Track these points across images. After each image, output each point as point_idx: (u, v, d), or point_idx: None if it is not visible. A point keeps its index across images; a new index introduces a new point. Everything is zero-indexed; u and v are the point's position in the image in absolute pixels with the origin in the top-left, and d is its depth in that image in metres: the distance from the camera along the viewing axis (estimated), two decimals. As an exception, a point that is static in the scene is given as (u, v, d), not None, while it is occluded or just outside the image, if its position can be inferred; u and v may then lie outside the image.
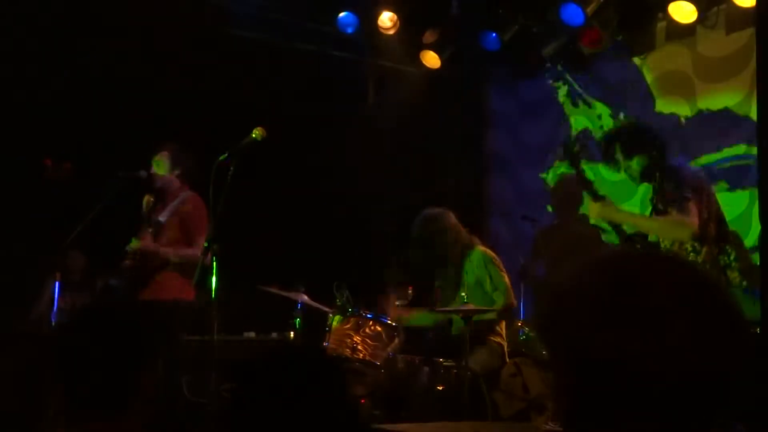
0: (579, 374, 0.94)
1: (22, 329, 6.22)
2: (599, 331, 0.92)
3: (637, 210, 6.20)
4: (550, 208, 7.05)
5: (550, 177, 7.11)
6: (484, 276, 5.34)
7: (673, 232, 4.13)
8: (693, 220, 4.04)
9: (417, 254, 5.46)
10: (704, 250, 4.08)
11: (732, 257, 4.13)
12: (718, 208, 4.33)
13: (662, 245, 4.22)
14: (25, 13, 5.96)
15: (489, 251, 5.49)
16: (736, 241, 4.69)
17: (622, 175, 4.60)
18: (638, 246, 4.20)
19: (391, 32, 6.76)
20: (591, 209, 4.33)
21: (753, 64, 4.71)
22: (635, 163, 4.34)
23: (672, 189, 4.13)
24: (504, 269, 5.46)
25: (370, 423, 4.67)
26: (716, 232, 4.16)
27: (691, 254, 4.09)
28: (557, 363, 0.98)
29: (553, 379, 1.00)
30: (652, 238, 4.33)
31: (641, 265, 0.97)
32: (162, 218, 5.11)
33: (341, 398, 1.51)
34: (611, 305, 0.93)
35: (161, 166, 5.23)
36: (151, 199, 5.14)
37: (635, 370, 0.90)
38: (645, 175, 4.39)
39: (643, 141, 4.35)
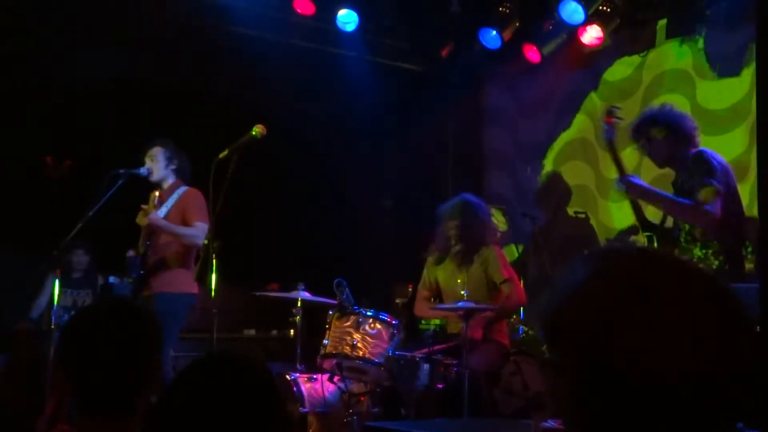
0: (592, 381, 0.93)
1: (23, 327, 6.23)
2: (616, 338, 0.91)
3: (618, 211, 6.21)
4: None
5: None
6: (491, 273, 5.34)
7: (694, 217, 4.11)
8: (717, 209, 4.05)
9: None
10: (714, 243, 4.08)
11: (750, 249, 4.11)
12: (740, 200, 4.34)
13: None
14: (25, 12, 5.96)
15: (499, 249, 5.48)
16: (756, 233, 4.62)
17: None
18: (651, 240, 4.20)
19: None
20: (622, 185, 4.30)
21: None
22: (663, 146, 4.31)
23: (700, 176, 4.11)
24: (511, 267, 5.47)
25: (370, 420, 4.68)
26: (736, 223, 4.16)
27: (698, 246, 4.10)
28: (568, 368, 0.96)
29: (560, 384, 0.97)
30: (668, 223, 4.31)
31: (657, 270, 0.96)
32: (160, 214, 5.09)
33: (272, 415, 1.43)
34: (628, 312, 0.92)
35: (157, 161, 5.20)
36: (156, 194, 5.11)
37: (651, 379, 0.90)
38: (668, 159, 4.37)
39: (675, 125, 4.32)
